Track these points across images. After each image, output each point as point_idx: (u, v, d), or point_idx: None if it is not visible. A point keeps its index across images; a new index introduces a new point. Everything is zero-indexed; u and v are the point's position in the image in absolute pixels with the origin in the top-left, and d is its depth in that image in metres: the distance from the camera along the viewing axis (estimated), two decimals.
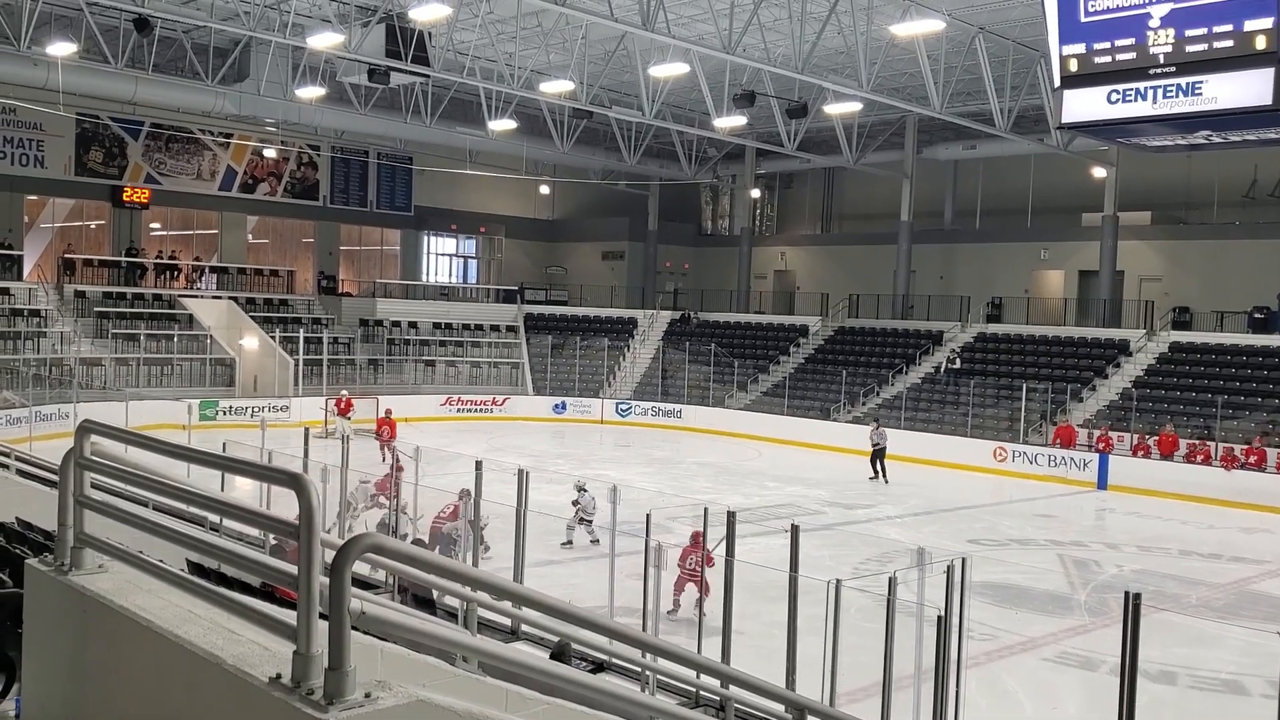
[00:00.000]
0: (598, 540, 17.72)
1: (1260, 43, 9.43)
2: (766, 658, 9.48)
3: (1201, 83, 9.52)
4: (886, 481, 26.49)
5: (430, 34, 26.64)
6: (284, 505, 3.13)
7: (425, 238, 46.59)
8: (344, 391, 31.53)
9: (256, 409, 30.46)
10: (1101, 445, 27.43)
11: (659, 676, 8.11)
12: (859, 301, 39.63)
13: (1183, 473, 25.75)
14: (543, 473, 18.70)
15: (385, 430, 27.68)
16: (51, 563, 3.32)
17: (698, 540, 12.50)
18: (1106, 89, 10.32)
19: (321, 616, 2.51)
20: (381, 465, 22.54)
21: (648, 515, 10.96)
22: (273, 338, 34.53)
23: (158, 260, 38.29)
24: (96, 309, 34.11)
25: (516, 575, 11.97)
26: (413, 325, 39.84)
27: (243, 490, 15.72)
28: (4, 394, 26.95)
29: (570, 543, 18.23)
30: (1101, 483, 26.71)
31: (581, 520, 18.22)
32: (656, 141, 41.48)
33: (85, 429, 3.31)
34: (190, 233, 41.16)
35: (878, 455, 27.01)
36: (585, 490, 18.30)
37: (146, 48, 28.19)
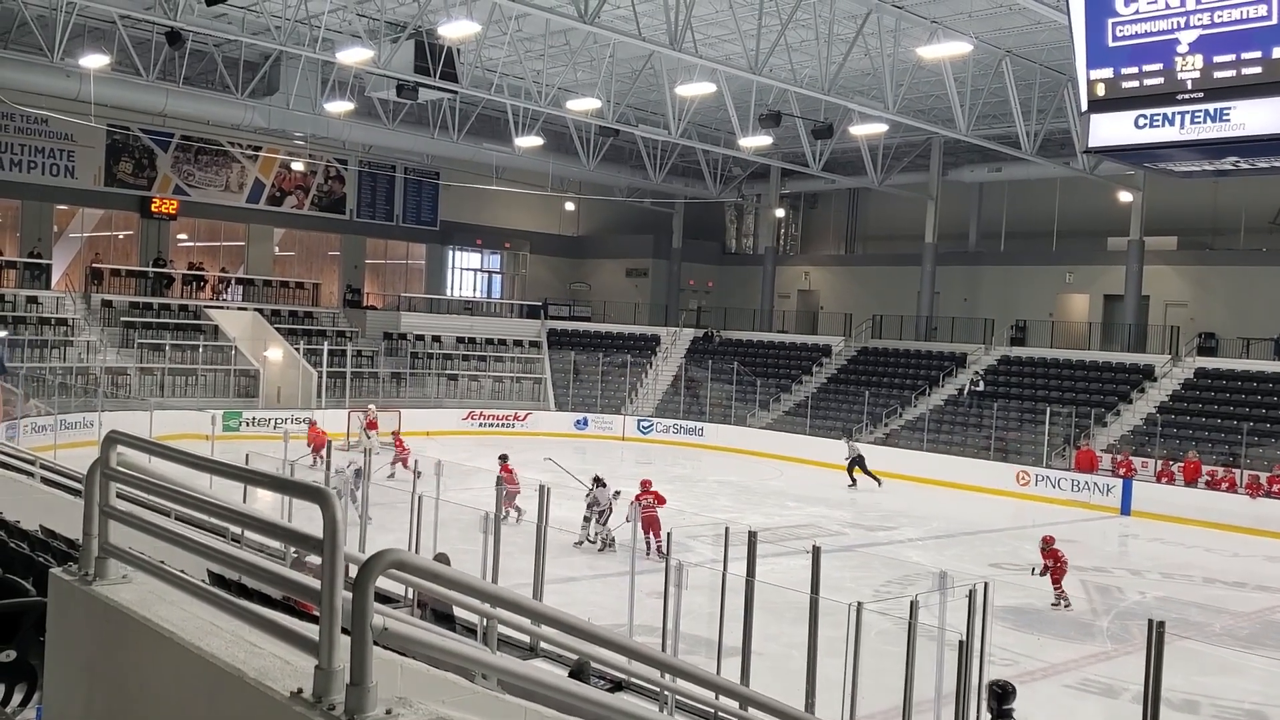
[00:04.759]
0: (612, 542, 17.92)
1: None
2: (786, 679, 9.45)
3: (1230, 109, 9.47)
4: (879, 484, 28.05)
5: (459, 51, 26.83)
6: (303, 517, 3.14)
7: (450, 252, 46.78)
8: (371, 406, 31.65)
9: (279, 420, 30.60)
10: (1122, 471, 27.24)
11: (677, 697, 8.09)
12: (882, 322, 39.53)
13: (1207, 500, 25.50)
14: (564, 489, 18.72)
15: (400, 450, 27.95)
16: (76, 572, 3.34)
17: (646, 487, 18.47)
18: (1134, 114, 10.27)
19: (342, 631, 2.51)
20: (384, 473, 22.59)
21: (668, 533, 10.97)
22: (297, 350, 34.72)
23: (185, 271, 38.62)
24: (123, 318, 34.36)
25: (536, 592, 11.96)
26: (436, 339, 39.96)
27: (263, 501, 15.79)
28: (31, 402, 27.16)
29: (583, 542, 18.24)
30: (1125, 508, 26.50)
31: (599, 516, 18.37)
32: (682, 160, 41.57)
33: (111, 439, 3.33)
34: (217, 244, 41.47)
35: (856, 464, 28.60)
36: (603, 485, 18.51)
37: (178, 61, 28.51)
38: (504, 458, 21.34)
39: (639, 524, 16.58)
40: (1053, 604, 16.44)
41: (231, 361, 34.58)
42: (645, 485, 18.95)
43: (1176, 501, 25.76)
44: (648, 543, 17.15)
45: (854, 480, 28.41)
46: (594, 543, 18.50)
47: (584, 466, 29.45)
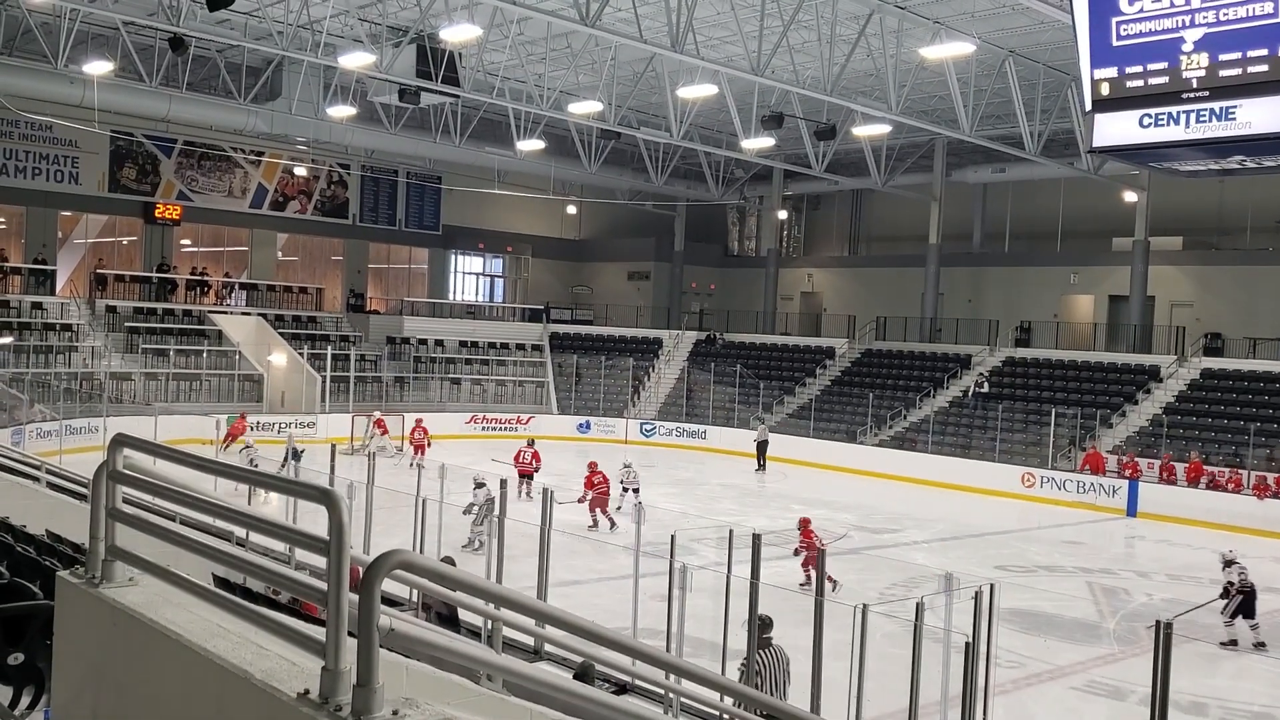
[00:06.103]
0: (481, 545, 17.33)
1: None
2: (791, 682, 9.42)
3: (1235, 107, 9.44)
4: (761, 470, 30.57)
5: (461, 55, 26.85)
6: (308, 520, 3.13)
7: (453, 256, 46.83)
8: (377, 412, 31.72)
9: (284, 425, 30.62)
10: (1128, 472, 27.18)
11: (682, 699, 8.08)
12: (886, 324, 39.50)
13: (1214, 501, 25.42)
14: (566, 492, 18.73)
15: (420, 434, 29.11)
16: (83, 575, 3.33)
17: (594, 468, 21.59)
18: (1138, 113, 10.24)
19: (348, 634, 2.50)
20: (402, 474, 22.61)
21: (672, 536, 10.94)
22: (301, 354, 34.74)
23: (189, 276, 38.67)
24: (127, 324, 34.41)
25: (540, 595, 11.95)
26: (439, 343, 39.99)
27: (272, 505, 15.78)
28: (36, 407, 27.20)
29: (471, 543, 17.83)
30: (1131, 510, 26.44)
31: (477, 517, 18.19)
32: (684, 162, 41.57)
33: (119, 442, 3.32)
34: (221, 249, 41.53)
35: (761, 449, 30.63)
36: (482, 485, 18.49)
37: (181, 66, 28.55)
38: (531, 442, 24.37)
39: (641, 523, 16.59)
40: (802, 583, 15.28)
41: (235, 366, 34.62)
42: (593, 466, 21.50)
43: (1183, 503, 25.68)
44: (595, 519, 20.45)
45: (762, 465, 30.37)
46: (474, 544, 17.74)
47: (581, 470, 29.45)
